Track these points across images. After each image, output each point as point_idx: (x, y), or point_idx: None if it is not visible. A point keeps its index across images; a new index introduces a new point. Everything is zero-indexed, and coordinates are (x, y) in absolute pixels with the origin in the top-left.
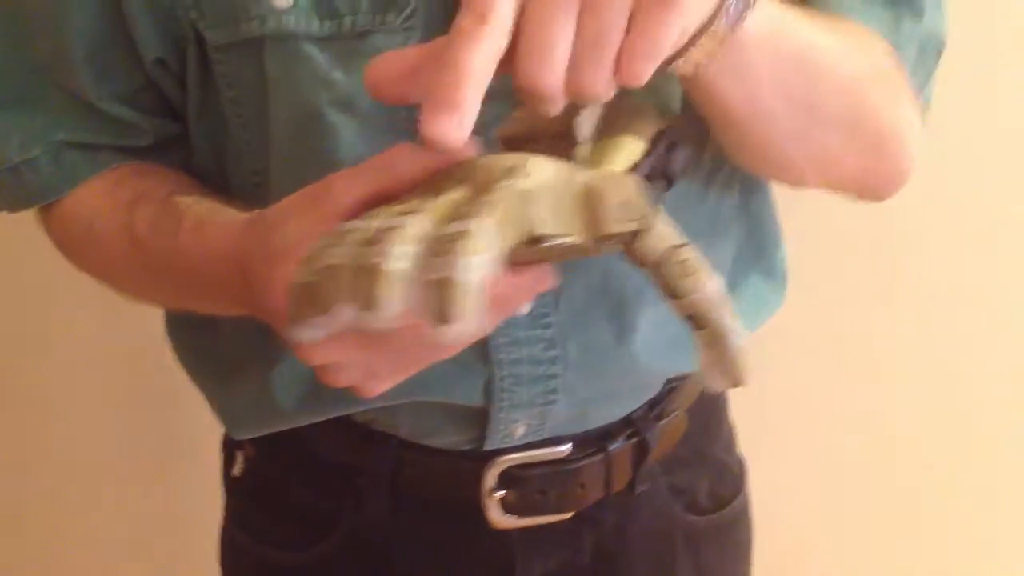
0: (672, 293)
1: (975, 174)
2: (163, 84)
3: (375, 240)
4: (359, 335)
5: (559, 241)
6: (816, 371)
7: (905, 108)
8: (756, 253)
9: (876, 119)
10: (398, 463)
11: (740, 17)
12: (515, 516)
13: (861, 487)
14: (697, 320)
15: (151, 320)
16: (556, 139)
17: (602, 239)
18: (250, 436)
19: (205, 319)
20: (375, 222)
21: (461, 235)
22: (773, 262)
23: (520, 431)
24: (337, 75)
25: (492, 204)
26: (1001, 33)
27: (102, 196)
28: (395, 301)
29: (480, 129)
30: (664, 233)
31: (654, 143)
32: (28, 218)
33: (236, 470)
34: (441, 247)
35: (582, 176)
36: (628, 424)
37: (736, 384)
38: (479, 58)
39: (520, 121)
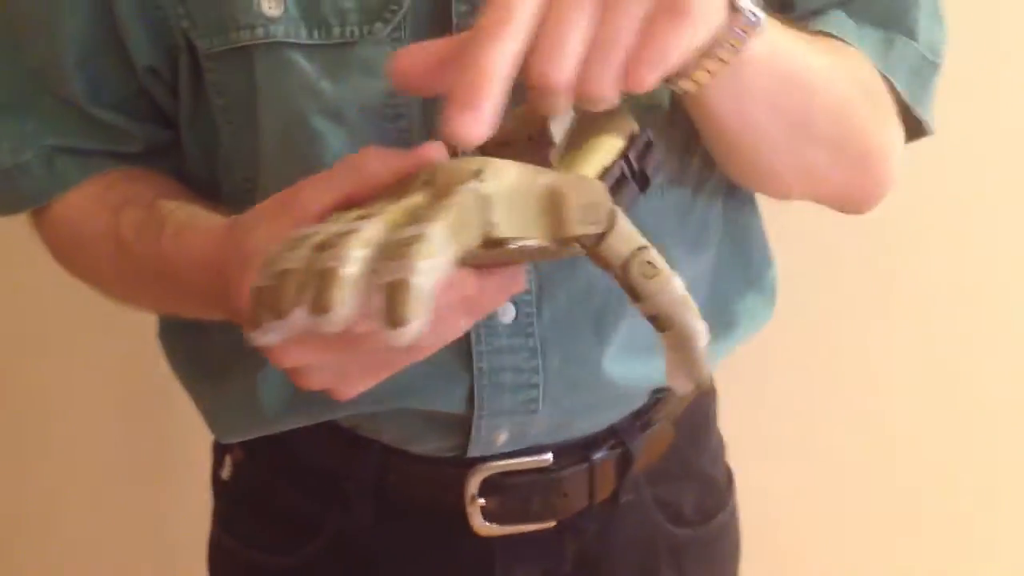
0: (636, 295)
1: (969, 177)
2: (155, 91)
3: (330, 244)
4: (328, 337)
5: (520, 243)
6: (809, 379)
7: (890, 128)
8: (742, 265)
9: (863, 138)
10: (382, 469)
11: (745, 40)
12: (497, 524)
13: (855, 497)
14: (662, 321)
15: (150, 322)
16: (530, 141)
17: (564, 241)
18: (237, 440)
19: (194, 323)
20: (334, 226)
21: (413, 239)
22: (763, 278)
23: (502, 439)
24: (325, 84)
25: (447, 208)
26: (986, 46)
27: (91, 200)
28: (346, 305)
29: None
30: (628, 235)
31: (629, 145)
32: (28, 219)
33: (225, 473)
34: (393, 251)
35: (545, 178)
36: (612, 434)
37: (699, 386)
38: (502, 57)
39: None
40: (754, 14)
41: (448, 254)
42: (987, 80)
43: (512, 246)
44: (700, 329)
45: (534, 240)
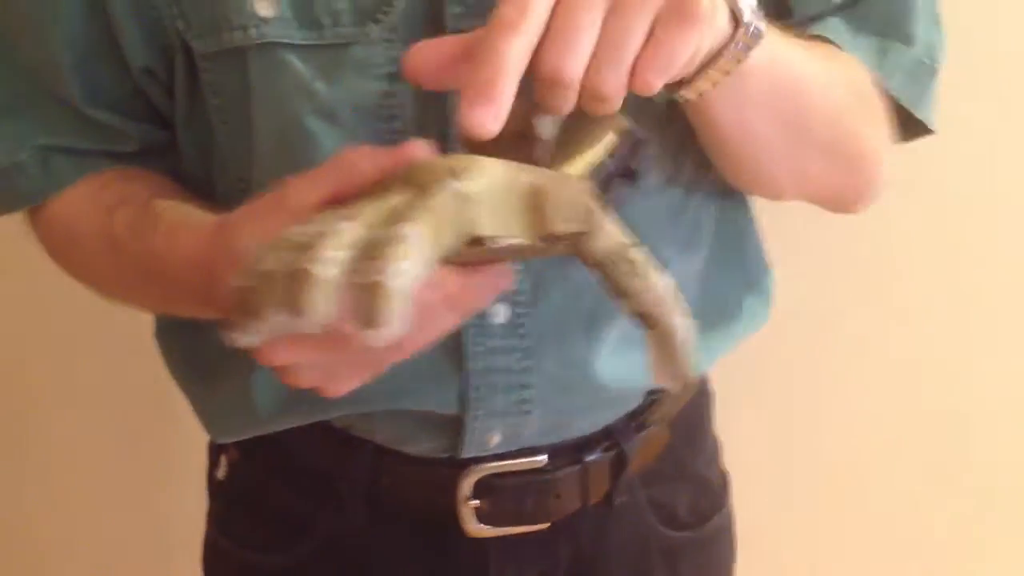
0: (621, 292)
1: (968, 178)
2: (150, 92)
3: (310, 245)
4: (315, 337)
5: (504, 242)
6: (806, 382)
7: (883, 132)
8: (737, 265)
9: (857, 142)
10: (375, 469)
11: (748, 50)
12: (490, 525)
13: (852, 501)
14: (647, 319)
15: (148, 322)
16: (519, 139)
17: (548, 239)
18: (231, 440)
19: (189, 323)
20: (314, 227)
21: (391, 240)
22: (759, 279)
23: (495, 440)
24: (319, 85)
25: (427, 208)
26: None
27: (86, 199)
28: (323, 306)
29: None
30: (613, 233)
31: (620, 142)
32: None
33: (220, 473)
34: (371, 252)
35: (528, 176)
36: (606, 435)
37: (684, 383)
38: (515, 53)
39: None
40: (757, 27)
41: (426, 254)
42: (987, 80)
43: (495, 244)
44: (684, 327)
45: (517, 238)
